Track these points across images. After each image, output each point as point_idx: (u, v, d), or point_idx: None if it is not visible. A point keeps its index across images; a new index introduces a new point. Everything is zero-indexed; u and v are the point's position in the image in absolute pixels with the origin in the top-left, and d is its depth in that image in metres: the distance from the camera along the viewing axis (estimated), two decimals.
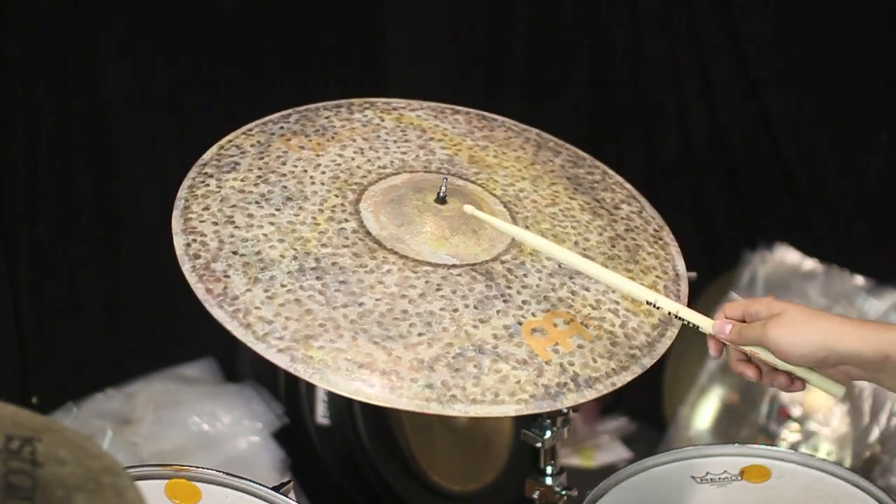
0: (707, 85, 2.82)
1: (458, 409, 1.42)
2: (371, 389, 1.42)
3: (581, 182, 1.77)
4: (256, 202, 1.60)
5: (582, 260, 1.55)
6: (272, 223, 1.57)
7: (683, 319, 1.52)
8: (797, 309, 1.44)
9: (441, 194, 1.62)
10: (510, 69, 2.90)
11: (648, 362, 1.54)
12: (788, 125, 2.79)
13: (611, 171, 1.83)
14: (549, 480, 1.81)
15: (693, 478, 1.75)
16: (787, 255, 2.77)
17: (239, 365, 2.63)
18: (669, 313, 1.52)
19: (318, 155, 1.70)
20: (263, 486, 1.62)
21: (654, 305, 1.53)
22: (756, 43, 2.76)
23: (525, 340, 1.50)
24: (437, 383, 1.43)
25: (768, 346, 1.45)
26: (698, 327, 1.51)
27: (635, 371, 1.53)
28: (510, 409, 1.44)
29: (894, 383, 1.44)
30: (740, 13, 2.75)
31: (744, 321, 1.49)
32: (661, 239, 1.73)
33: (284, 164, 1.67)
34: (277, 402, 2.55)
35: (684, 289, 1.65)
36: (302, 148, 1.70)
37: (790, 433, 2.70)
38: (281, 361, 1.43)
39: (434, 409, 1.42)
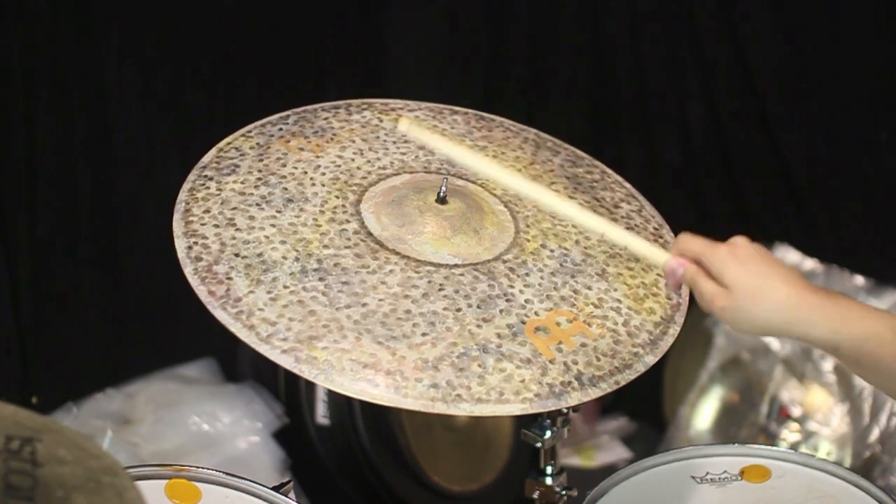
0: (707, 85, 2.82)
1: (464, 409, 1.42)
2: (376, 389, 1.42)
3: (580, 181, 1.77)
4: (257, 204, 1.60)
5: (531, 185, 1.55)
6: (273, 225, 1.57)
7: (635, 254, 1.51)
8: (746, 288, 1.38)
9: (441, 194, 1.62)
10: (510, 69, 2.90)
11: (651, 360, 1.55)
12: (788, 125, 2.79)
13: (609, 171, 1.83)
14: (549, 480, 1.80)
15: (693, 478, 1.75)
16: (787, 255, 2.76)
17: (239, 365, 2.63)
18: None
19: (317, 156, 1.69)
20: (263, 486, 1.62)
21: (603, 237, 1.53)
22: (756, 43, 2.76)
23: (529, 339, 1.50)
24: (441, 383, 1.43)
25: (717, 318, 1.42)
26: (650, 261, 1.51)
27: (639, 369, 1.53)
28: (515, 409, 1.44)
29: (848, 365, 1.43)
30: (740, 13, 2.75)
31: (699, 261, 1.44)
32: (661, 237, 1.73)
33: (284, 165, 1.67)
34: (277, 402, 2.55)
35: (685, 287, 1.65)
36: (301, 149, 1.70)
37: (790, 433, 2.70)
38: (285, 362, 1.43)
39: (439, 408, 1.42)
